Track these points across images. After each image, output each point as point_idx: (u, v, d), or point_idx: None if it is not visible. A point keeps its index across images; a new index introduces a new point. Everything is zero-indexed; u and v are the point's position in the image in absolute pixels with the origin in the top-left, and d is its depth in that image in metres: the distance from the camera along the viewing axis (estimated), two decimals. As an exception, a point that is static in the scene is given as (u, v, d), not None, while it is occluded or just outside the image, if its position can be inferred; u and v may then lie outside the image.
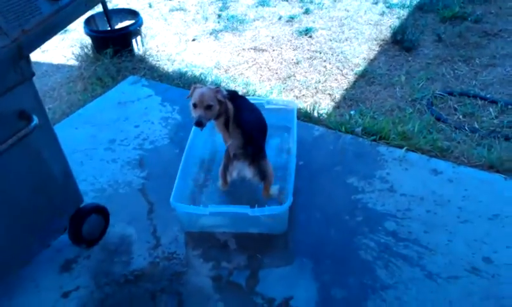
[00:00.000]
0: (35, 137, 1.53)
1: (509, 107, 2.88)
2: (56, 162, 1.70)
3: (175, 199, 1.91)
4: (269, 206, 1.88)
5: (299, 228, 2.04)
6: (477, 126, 2.74)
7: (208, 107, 1.91)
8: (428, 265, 1.82)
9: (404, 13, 4.32)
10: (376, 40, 3.94)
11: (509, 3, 4.24)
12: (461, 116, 2.88)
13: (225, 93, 1.97)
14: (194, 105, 1.93)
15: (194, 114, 1.94)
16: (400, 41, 3.80)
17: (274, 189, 2.10)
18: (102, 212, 1.98)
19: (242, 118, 1.97)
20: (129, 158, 2.51)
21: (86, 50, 3.78)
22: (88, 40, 3.81)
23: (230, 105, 1.99)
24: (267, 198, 2.06)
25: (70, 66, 3.80)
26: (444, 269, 1.80)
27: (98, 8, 3.61)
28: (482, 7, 4.20)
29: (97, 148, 2.59)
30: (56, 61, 3.95)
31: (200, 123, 1.91)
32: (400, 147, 2.45)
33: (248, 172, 1.98)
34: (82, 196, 1.89)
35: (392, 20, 4.23)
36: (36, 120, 1.47)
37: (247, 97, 2.26)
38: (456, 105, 2.99)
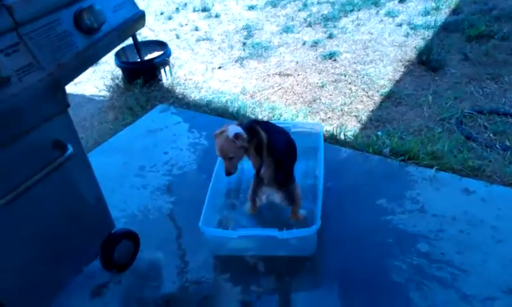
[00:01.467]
0: (70, 165, 1.58)
1: (542, 123, 2.81)
2: (89, 190, 1.76)
3: (204, 223, 1.94)
4: (297, 229, 1.88)
5: (328, 250, 2.02)
6: (508, 144, 2.68)
7: (231, 158, 1.92)
8: (463, 286, 1.76)
9: (428, 33, 4.31)
10: (401, 61, 3.93)
11: (537, 19, 4.17)
12: (491, 134, 2.82)
13: (245, 135, 1.90)
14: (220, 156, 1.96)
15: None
16: (426, 62, 3.78)
17: (302, 213, 2.10)
18: (132, 238, 2.02)
19: (274, 146, 1.95)
20: (159, 184, 2.56)
21: (117, 81, 3.92)
22: (118, 72, 3.96)
23: (263, 134, 1.95)
24: (296, 221, 2.06)
25: (102, 97, 3.95)
26: (480, 291, 1.74)
27: (129, 41, 3.76)
28: (509, 25, 4.14)
29: (128, 175, 2.66)
30: (88, 93, 4.11)
31: (229, 174, 1.94)
32: (430, 167, 2.42)
33: (277, 197, 1.99)
34: (114, 222, 1.93)
35: (416, 41, 4.22)
36: (71, 149, 1.53)
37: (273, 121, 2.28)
38: (486, 124, 2.93)
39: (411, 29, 4.48)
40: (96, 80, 4.30)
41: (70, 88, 4.10)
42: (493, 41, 3.90)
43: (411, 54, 4.01)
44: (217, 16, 5.60)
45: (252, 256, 2.02)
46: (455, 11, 4.68)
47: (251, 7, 5.71)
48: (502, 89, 3.31)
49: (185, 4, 6.09)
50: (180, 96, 3.64)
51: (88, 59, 1.60)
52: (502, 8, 4.44)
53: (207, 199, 2.08)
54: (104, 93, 3.97)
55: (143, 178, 2.62)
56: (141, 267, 2.04)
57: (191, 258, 2.06)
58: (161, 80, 3.80)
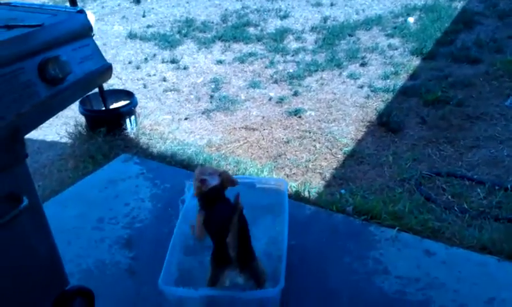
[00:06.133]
0: (23, 218, 1.50)
1: (497, 188, 2.93)
2: (42, 244, 1.65)
3: (164, 281, 1.86)
4: (261, 289, 1.83)
5: (291, 312, 1.97)
6: (466, 206, 2.77)
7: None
8: (426, 353, 1.75)
9: (388, 96, 4.51)
10: (362, 122, 4.07)
11: (488, 87, 4.46)
12: (449, 196, 2.92)
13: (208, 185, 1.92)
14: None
15: None
16: (386, 123, 3.93)
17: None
18: (87, 295, 1.90)
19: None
20: (118, 237, 2.46)
21: (79, 128, 3.83)
22: (82, 119, 3.88)
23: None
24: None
25: (63, 144, 3.84)
26: (443, 357, 1.73)
27: (94, 89, 3.72)
28: (463, 91, 4.40)
29: (85, 226, 2.54)
30: (49, 139, 3.98)
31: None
32: (392, 227, 2.45)
33: (241, 279, 1.88)
34: (68, 278, 1.82)
35: (377, 103, 4.40)
36: (26, 202, 1.45)
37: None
38: (444, 186, 3.03)
39: (372, 91, 4.68)
40: (58, 126, 4.19)
41: (30, 133, 3.97)
42: (448, 106, 4.12)
43: (372, 115, 4.17)
44: (185, 68, 5.67)
45: (213, 317, 1.94)
46: (412, 77, 4.95)
47: (220, 62, 5.83)
48: (458, 152, 3.46)
49: (154, 54, 6.15)
50: (144, 147, 3.59)
51: (51, 109, 1.56)
52: (457, 76, 4.74)
53: (167, 255, 2.01)
54: (66, 139, 3.86)
55: (101, 231, 2.51)
56: (94, 329, 1.91)
57: (148, 319, 1.96)
58: (126, 129, 3.75)
